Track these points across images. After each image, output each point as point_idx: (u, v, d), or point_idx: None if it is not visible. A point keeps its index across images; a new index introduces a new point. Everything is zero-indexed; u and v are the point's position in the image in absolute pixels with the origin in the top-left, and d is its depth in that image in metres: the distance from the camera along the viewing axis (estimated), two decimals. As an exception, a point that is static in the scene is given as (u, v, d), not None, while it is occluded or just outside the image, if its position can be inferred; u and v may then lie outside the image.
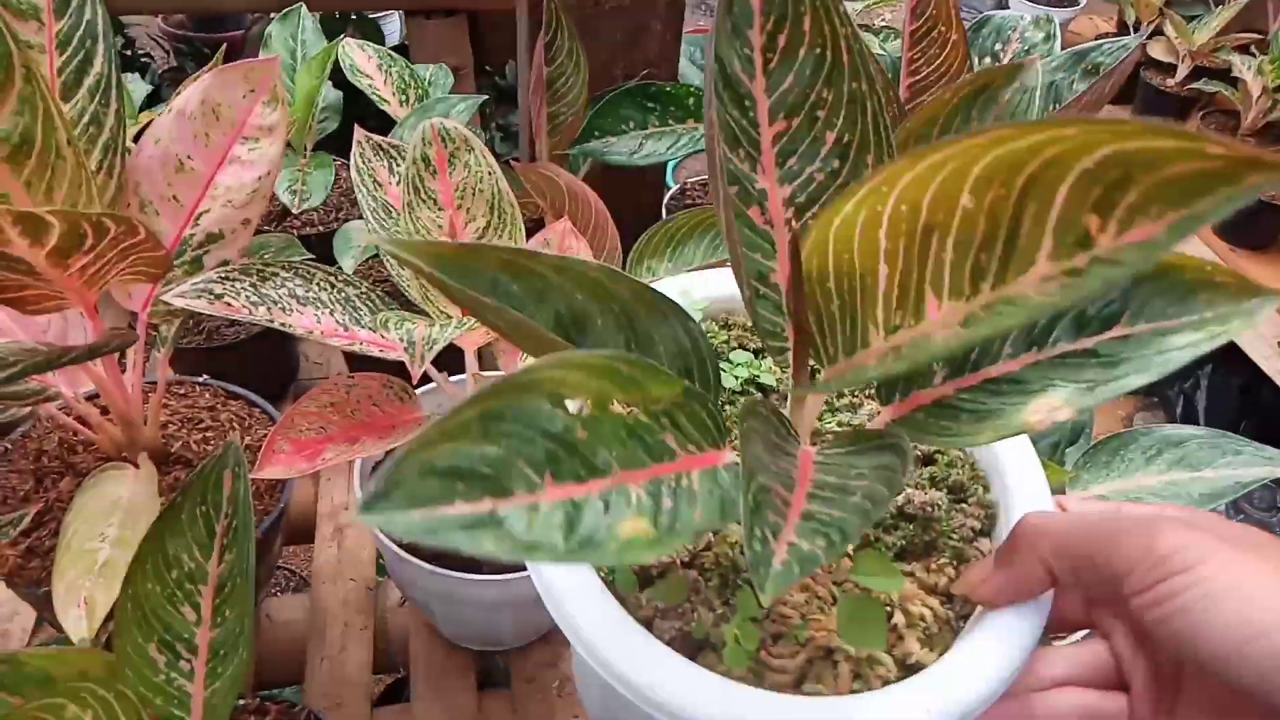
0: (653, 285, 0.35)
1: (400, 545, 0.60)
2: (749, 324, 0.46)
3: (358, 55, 0.94)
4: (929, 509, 0.38)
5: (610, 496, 0.23)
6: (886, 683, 0.33)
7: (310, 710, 0.54)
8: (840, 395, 0.44)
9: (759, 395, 0.43)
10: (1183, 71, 1.73)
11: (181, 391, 0.70)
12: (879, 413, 0.35)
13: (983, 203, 0.22)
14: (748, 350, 0.45)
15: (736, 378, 0.43)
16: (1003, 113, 0.32)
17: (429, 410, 0.62)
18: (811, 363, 0.31)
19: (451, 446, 0.21)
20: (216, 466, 0.46)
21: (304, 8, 0.96)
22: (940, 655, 0.33)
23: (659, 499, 0.24)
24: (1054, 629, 0.36)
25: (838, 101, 0.30)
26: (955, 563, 0.36)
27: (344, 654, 0.69)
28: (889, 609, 0.35)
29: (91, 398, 0.63)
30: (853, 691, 0.32)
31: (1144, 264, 0.20)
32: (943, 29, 0.70)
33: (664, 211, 1.07)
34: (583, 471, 0.23)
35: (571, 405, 0.24)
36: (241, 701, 0.55)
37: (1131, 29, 1.84)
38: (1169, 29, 1.71)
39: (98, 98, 0.54)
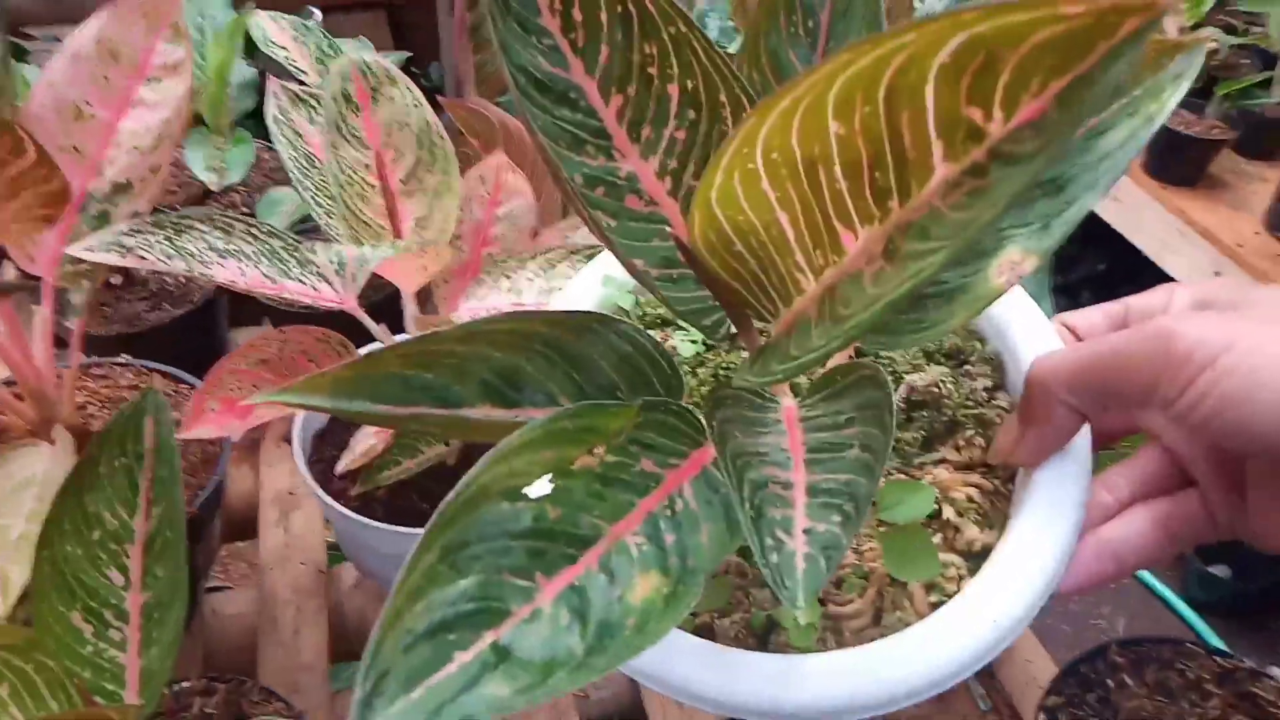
0: (571, 284, 0.31)
1: (350, 508, 0.57)
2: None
3: (270, 25, 0.89)
4: (936, 389, 0.35)
5: (610, 561, 0.21)
6: (962, 580, 0.30)
7: (263, 685, 0.50)
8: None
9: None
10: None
11: (100, 373, 0.65)
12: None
13: (853, 125, 0.20)
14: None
15: (696, 355, 0.40)
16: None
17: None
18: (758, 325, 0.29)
19: (425, 603, 0.19)
20: (134, 414, 0.42)
21: (210, -20, 0.92)
22: (1001, 532, 0.31)
23: (659, 539, 0.22)
24: (1104, 444, 0.33)
25: (664, 52, 0.27)
26: (982, 430, 0.34)
27: (298, 638, 0.65)
28: (934, 506, 0.32)
29: (5, 383, 0.58)
30: (931, 607, 0.30)
31: (1050, 147, 0.18)
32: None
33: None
34: (572, 550, 0.21)
35: (531, 491, 0.22)
36: (187, 683, 0.51)
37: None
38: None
39: (-23, 40, 0.49)
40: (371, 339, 0.59)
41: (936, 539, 0.32)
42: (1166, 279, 1.58)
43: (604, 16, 0.27)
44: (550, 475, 0.23)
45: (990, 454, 0.34)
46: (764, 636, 0.31)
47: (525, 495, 0.21)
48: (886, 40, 0.18)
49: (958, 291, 0.28)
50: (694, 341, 0.41)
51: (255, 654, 0.65)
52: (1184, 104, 1.62)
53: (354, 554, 0.63)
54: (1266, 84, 1.48)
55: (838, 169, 0.21)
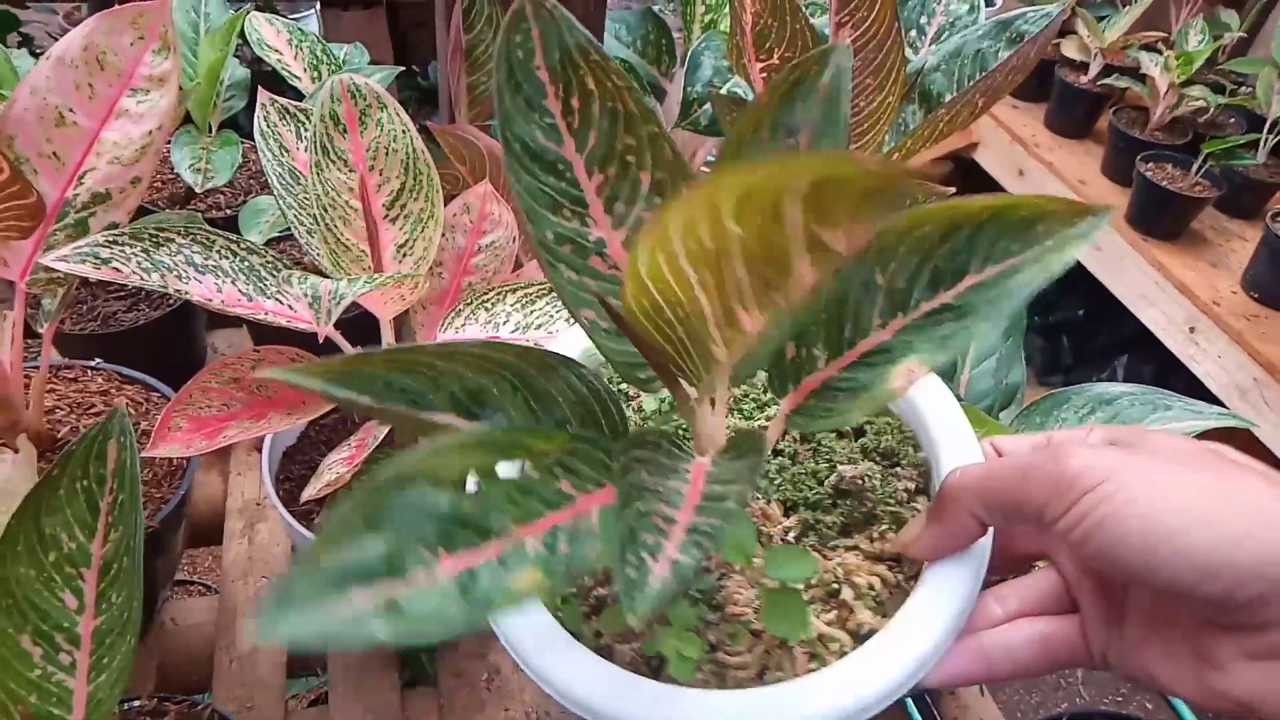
0: (546, 344, 0.35)
1: (313, 531, 0.56)
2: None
3: (265, 29, 0.89)
4: (862, 480, 0.38)
5: (508, 556, 0.24)
6: (843, 655, 0.32)
7: (214, 708, 0.50)
8: (744, 401, 0.43)
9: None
10: (1095, 69, 1.78)
11: (71, 376, 0.65)
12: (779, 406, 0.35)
13: (749, 228, 0.23)
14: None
15: (656, 409, 0.42)
16: (826, 95, 0.32)
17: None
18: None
19: (339, 547, 0.21)
20: (99, 436, 0.42)
21: (208, -21, 0.91)
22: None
23: (555, 547, 0.25)
24: (1012, 566, 0.35)
25: (641, 145, 0.32)
26: (896, 528, 0.36)
27: (256, 654, 0.64)
28: (836, 585, 0.34)
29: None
30: (809, 672, 0.32)
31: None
32: (870, -4, 0.70)
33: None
34: (476, 539, 0.24)
35: (459, 484, 0.25)
36: (137, 702, 0.50)
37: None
38: (1081, 27, 1.76)
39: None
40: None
41: (831, 615, 0.34)
42: (1143, 329, 1.60)
43: (595, 108, 0.31)
44: (478, 478, 0.26)
45: (892, 543, 0.35)
46: (657, 668, 0.33)
47: (450, 485, 0.24)
48: (765, 167, 0.21)
49: (863, 389, 0.32)
50: (661, 400, 0.41)
51: (212, 666, 0.64)
52: (1170, 160, 1.65)
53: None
54: (1252, 145, 1.50)
55: (739, 263, 0.24)
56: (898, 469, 0.39)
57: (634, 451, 0.28)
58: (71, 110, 0.52)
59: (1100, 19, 1.74)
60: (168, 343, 0.80)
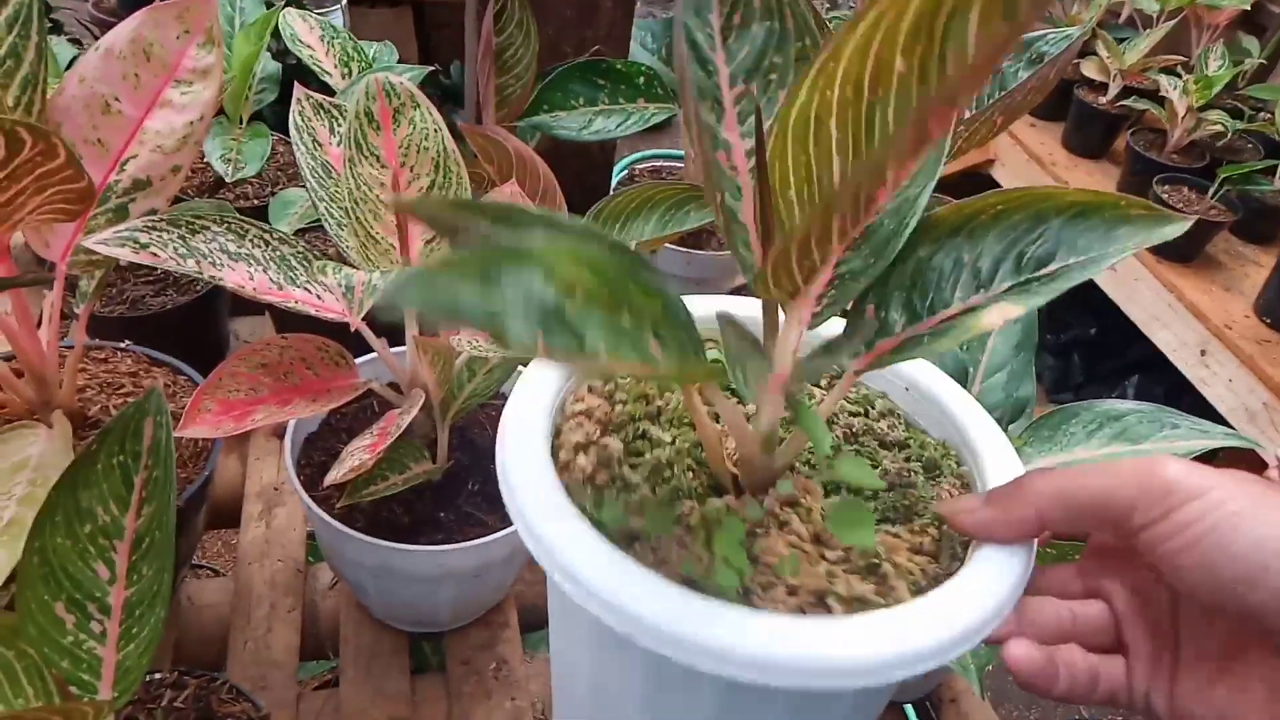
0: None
1: (333, 515, 0.58)
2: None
3: (299, 25, 0.91)
4: (905, 474, 0.38)
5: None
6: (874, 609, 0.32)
7: (232, 683, 0.51)
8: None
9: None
10: (1113, 90, 1.79)
11: (101, 356, 0.67)
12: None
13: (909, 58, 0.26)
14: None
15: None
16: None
17: (366, 378, 0.60)
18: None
19: (450, 278, 0.20)
20: (136, 414, 0.43)
21: (244, -26, 0.93)
22: None
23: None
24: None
25: (785, 65, 0.35)
26: (937, 524, 0.36)
27: (270, 635, 0.66)
28: (876, 561, 0.34)
29: (4, 358, 0.59)
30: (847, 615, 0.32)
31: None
32: None
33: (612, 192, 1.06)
34: (573, 345, 0.23)
35: (563, 278, 0.24)
36: (158, 675, 0.52)
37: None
38: (1100, 48, 1.77)
39: (16, 29, 0.50)
40: (369, 349, 0.60)
41: (869, 586, 0.33)
42: (1154, 350, 1.61)
43: (754, 25, 0.35)
44: (581, 290, 0.25)
45: (941, 505, 0.36)
46: (692, 584, 0.33)
47: (556, 284, 0.23)
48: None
49: (953, 329, 0.35)
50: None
51: (226, 645, 0.66)
52: (1187, 183, 1.65)
53: (333, 560, 0.64)
54: (1269, 171, 1.51)
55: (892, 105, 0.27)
56: (940, 478, 0.39)
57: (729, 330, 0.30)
58: (117, 99, 0.53)
59: (1120, 41, 1.74)
60: (193, 328, 0.82)
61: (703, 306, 0.41)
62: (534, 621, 0.72)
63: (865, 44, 0.27)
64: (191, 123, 0.54)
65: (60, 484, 0.42)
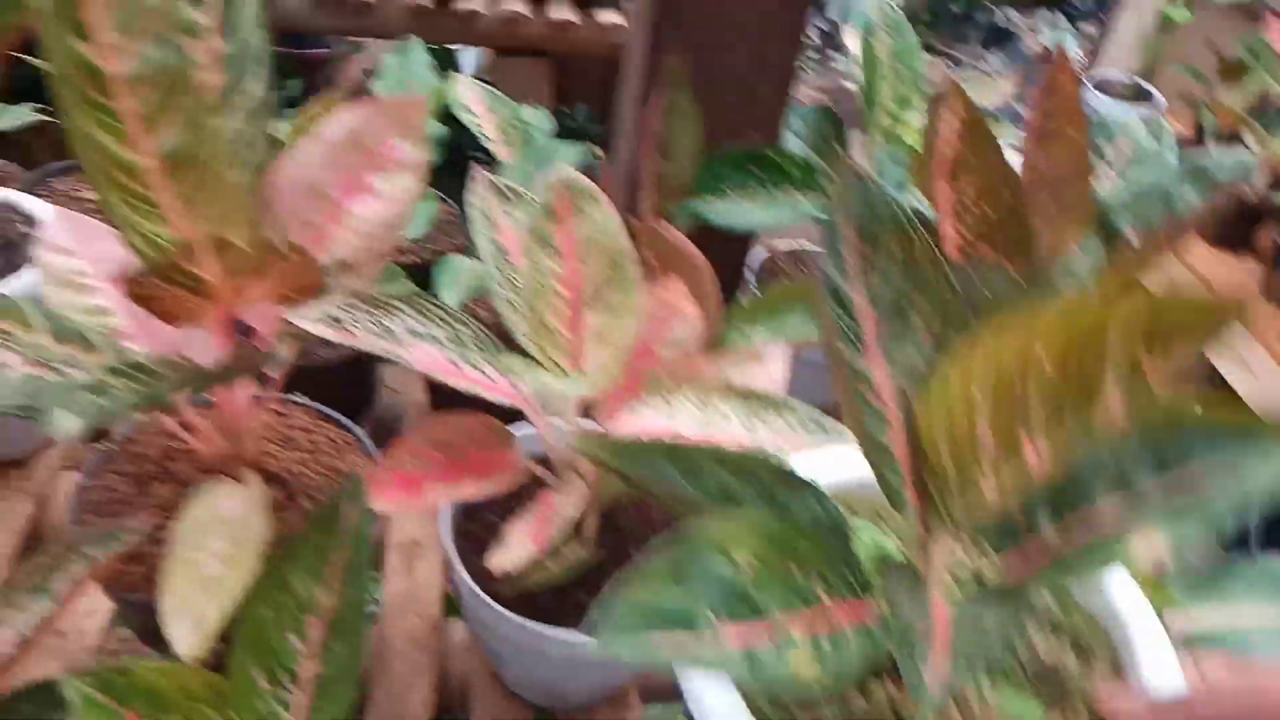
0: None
1: (480, 586, 0.60)
2: (874, 505, 0.49)
3: (469, 94, 0.96)
4: (1059, 670, 0.39)
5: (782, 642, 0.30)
6: None
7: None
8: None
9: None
10: (1262, 181, 1.72)
11: (274, 409, 0.71)
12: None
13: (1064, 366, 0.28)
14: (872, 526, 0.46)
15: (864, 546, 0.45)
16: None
17: (525, 452, 0.62)
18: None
19: (653, 588, 0.29)
20: (341, 499, 0.46)
21: (420, 43, 0.99)
22: None
23: (819, 644, 0.31)
24: None
25: (922, 299, 0.37)
26: (1087, 706, 0.38)
27: (410, 690, 0.69)
28: None
29: (200, 405, 0.64)
30: None
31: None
32: (1064, 126, 0.71)
33: (749, 275, 1.08)
34: (750, 614, 0.29)
35: (738, 557, 0.30)
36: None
37: (1208, 134, 1.84)
38: (1250, 139, 1.71)
39: (252, 121, 0.55)
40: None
41: None
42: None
43: (890, 265, 0.38)
44: (751, 555, 0.31)
45: (1101, 690, 0.37)
46: None
47: (732, 558, 0.31)
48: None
49: (1097, 548, 0.33)
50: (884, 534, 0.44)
51: (365, 696, 0.69)
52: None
53: (479, 630, 0.67)
54: None
55: (1036, 398, 0.28)
56: (1091, 664, 0.40)
57: (890, 575, 0.33)
58: (330, 186, 0.57)
59: (1269, 129, 1.68)
60: (353, 377, 0.87)
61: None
62: (652, 696, 0.74)
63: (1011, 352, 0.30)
64: (395, 211, 0.58)
65: (271, 560, 0.45)
